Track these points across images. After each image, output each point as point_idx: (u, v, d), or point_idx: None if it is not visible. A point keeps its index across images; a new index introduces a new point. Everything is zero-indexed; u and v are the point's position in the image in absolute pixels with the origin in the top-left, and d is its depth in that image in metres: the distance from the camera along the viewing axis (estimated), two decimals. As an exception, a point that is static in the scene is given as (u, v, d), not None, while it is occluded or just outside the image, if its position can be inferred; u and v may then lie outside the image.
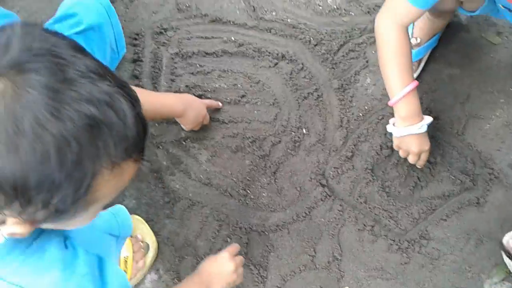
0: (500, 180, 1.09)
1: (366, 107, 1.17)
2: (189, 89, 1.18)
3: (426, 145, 1.00)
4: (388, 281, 1.03)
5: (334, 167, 1.12)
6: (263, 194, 1.11)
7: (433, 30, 1.16)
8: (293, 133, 1.15)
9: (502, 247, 1.00)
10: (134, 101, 0.48)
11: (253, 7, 1.27)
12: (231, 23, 1.26)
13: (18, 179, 0.42)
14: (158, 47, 1.23)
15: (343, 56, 1.22)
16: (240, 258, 0.89)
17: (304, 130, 1.16)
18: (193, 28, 1.26)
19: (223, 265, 0.85)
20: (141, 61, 1.22)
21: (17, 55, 0.43)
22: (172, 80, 1.20)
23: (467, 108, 1.15)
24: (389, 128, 1.02)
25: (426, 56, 1.19)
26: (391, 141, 1.07)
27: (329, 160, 1.13)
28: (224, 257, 0.86)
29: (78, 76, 0.44)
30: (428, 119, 0.97)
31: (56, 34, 0.49)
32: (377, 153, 1.13)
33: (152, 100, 0.99)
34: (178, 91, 1.18)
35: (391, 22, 0.93)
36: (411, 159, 1.02)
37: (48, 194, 0.44)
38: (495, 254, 1.03)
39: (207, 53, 1.22)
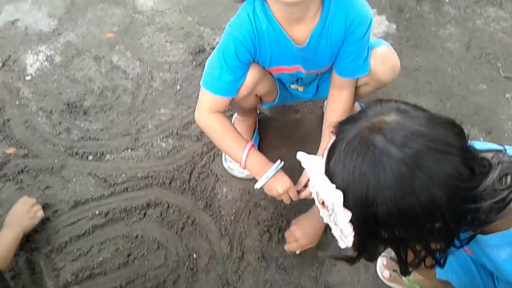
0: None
1: (233, 210, 1.36)
2: (76, 276, 1.23)
3: (287, 183, 1.09)
4: None
5: (233, 272, 1.24)
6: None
7: (249, 127, 1.44)
8: (186, 263, 1.26)
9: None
10: None
11: (103, 178, 1.41)
12: (90, 200, 1.37)
13: None
14: (30, 254, 1.27)
15: (196, 180, 1.42)
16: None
17: (194, 255, 1.27)
18: (57, 222, 1.34)
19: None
20: (20, 274, 1.23)
21: None
22: (57, 276, 1.23)
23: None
24: (256, 185, 1.11)
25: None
26: (267, 226, 1.27)
27: (227, 268, 1.25)
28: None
29: None
30: (279, 163, 1.10)
31: None
32: (259, 241, 1.29)
33: None
34: (66, 282, 1.21)
35: (207, 113, 1.12)
36: (285, 198, 1.12)
37: None
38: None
39: (79, 236, 1.30)
